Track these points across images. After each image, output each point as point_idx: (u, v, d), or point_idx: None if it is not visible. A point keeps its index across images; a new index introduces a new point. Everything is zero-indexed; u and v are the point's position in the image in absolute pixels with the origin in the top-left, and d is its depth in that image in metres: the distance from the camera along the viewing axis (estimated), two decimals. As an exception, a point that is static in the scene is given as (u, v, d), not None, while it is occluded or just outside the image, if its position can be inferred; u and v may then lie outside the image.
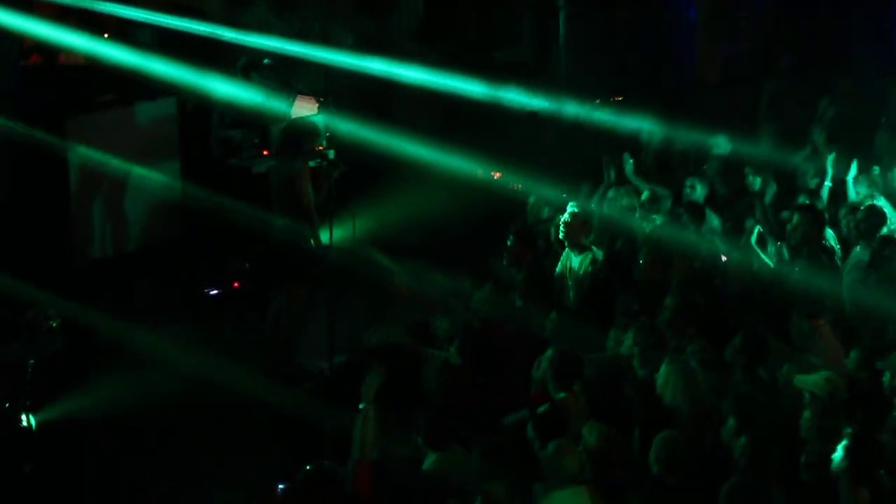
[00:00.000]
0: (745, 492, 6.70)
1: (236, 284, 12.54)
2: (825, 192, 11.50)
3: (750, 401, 7.49)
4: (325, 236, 10.77)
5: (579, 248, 10.29)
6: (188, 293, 12.45)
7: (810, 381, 7.68)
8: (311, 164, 11.26)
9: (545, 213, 12.05)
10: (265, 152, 13.17)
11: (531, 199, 12.36)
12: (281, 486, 7.34)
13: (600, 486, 6.97)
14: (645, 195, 11.33)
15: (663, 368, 7.83)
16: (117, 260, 12.81)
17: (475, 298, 9.86)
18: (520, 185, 14.84)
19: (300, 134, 11.29)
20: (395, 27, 16.89)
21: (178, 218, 13.40)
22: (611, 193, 11.70)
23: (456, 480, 7.31)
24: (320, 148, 12.08)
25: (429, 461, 7.77)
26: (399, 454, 7.93)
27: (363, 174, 12.43)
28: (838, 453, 6.80)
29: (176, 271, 12.89)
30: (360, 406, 7.07)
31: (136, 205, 13.12)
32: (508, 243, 10.70)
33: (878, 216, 10.40)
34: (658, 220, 10.99)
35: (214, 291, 12.49)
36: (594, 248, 10.32)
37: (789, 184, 12.16)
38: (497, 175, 14.78)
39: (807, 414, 7.39)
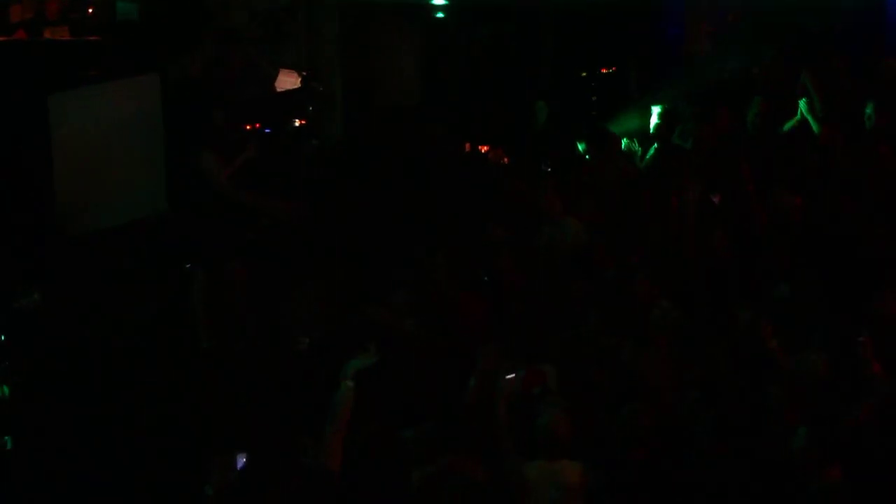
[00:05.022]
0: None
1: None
2: None
3: (716, 373, 7.51)
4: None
5: (552, 219, 10.22)
6: (171, 269, 12.43)
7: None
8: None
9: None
10: (248, 127, 13.17)
11: None
12: (241, 460, 7.33)
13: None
14: None
15: (630, 340, 7.84)
16: (100, 235, 12.80)
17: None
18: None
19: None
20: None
21: (162, 193, 13.43)
22: None
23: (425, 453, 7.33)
24: (301, 122, 12.15)
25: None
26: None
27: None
28: (800, 434, 6.80)
29: (159, 247, 12.88)
30: (341, 381, 7.14)
31: (120, 181, 13.13)
32: None
33: None
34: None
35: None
36: (568, 217, 10.21)
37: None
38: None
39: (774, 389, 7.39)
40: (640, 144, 12.76)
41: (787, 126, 12.73)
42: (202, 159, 11.76)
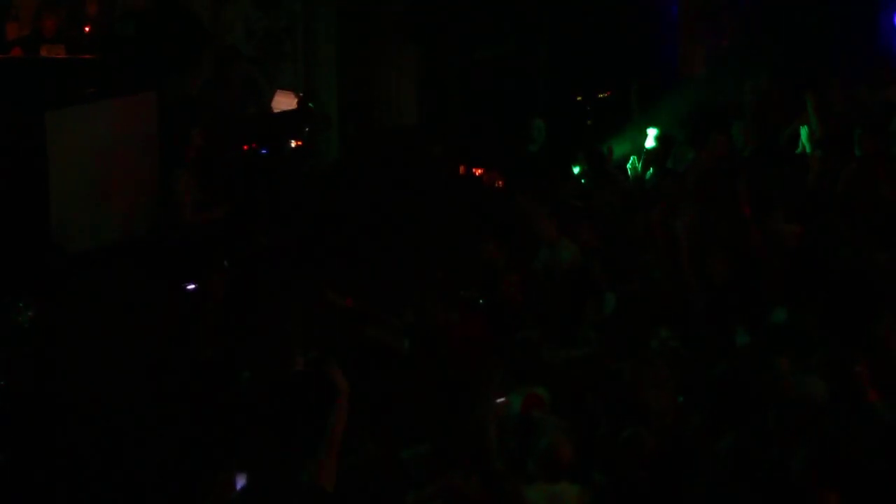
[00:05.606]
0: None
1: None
2: None
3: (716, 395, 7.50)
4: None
5: (548, 242, 10.24)
6: (165, 287, 12.41)
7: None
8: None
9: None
10: (245, 147, 13.20)
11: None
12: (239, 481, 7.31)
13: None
14: None
15: (630, 363, 7.84)
16: (95, 253, 12.78)
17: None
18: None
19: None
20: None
21: (157, 211, 13.42)
22: None
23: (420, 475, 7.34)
24: (297, 143, 12.17)
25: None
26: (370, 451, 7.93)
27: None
28: (799, 457, 6.80)
29: (153, 265, 12.86)
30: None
31: (116, 198, 13.12)
32: None
33: None
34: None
35: (192, 286, 12.43)
36: (564, 240, 10.24)
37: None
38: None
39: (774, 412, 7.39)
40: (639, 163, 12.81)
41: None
42: (176, 179, 11.85)
